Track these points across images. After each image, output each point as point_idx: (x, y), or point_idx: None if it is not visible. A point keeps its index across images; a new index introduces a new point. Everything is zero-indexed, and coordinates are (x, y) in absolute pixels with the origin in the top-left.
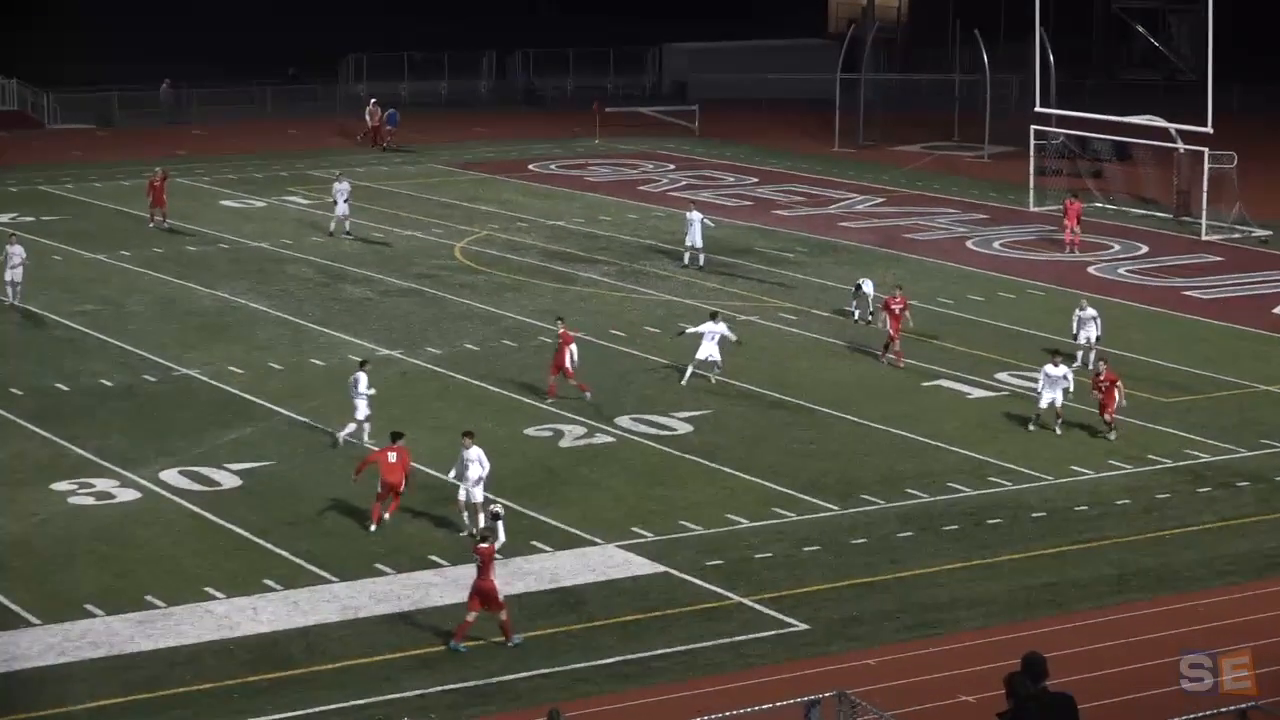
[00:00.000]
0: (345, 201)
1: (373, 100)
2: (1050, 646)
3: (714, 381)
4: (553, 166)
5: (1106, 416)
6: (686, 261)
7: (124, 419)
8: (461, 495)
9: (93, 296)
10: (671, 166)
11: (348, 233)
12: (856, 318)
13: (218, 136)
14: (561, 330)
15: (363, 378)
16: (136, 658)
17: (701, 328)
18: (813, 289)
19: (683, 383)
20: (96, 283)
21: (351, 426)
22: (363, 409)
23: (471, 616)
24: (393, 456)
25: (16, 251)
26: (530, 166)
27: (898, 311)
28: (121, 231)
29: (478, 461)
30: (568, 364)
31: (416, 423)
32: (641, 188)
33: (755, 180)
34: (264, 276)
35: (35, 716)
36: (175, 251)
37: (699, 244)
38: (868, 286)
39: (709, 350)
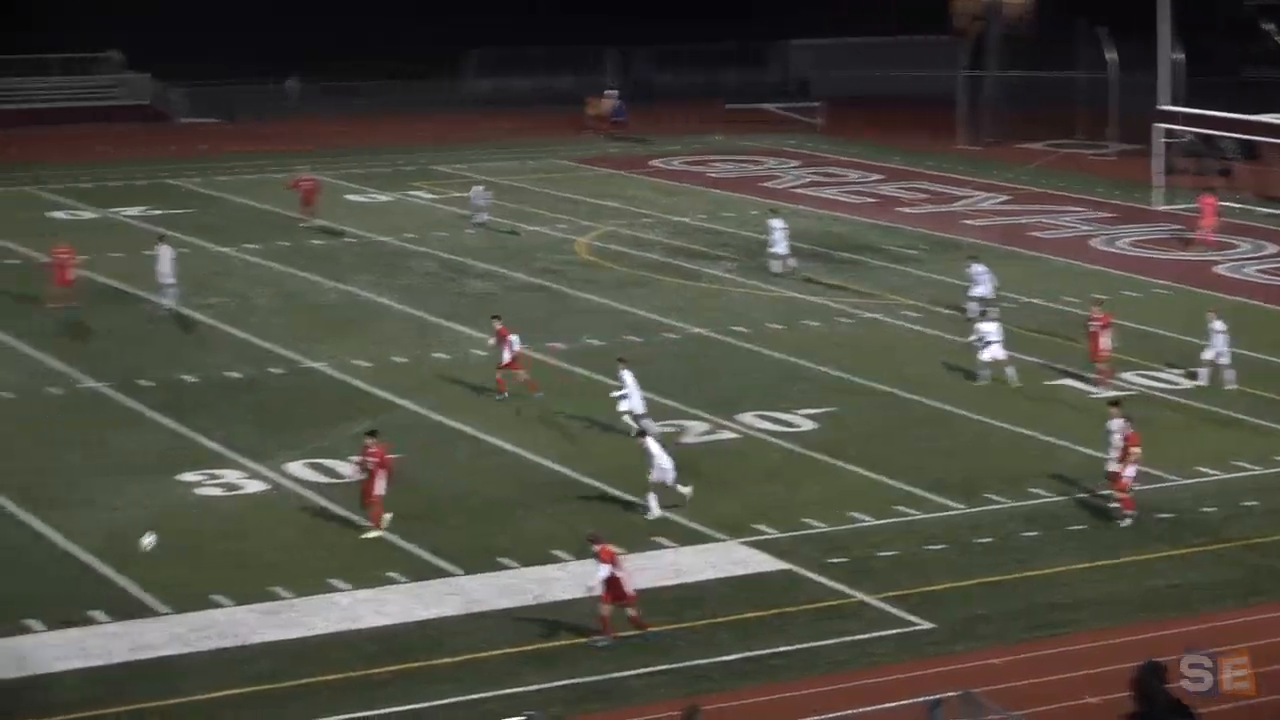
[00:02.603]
0: (485, 206)
1: (611, 90)
2: (1176, 649)
3: (1014, 386)
4: (676, 163)
5: (1121, 475)
6: (779, 270)
7: (250, 411)
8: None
9: (219, 289)
10: (795, 163)
11: (482, 224)
12: (970, 312)
13: (343, 130)
14: (499, 328)
15: (627, 375)
16: (260, 648)
17: (981, 329)
18: (937, 286)
19: (1011, 383)
20: (223, 276)
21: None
22: (638, 404)
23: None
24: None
25: (165, 252)
26: (653, 162)
27: (1094, 330)
28: (248, 225)
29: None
30: (507, 356)
31: (541, 417)
32: (764, 184)
33: (879, 177)
34: (389, 270)
35: (160, 705)
36: (301, 245)
37: (783, 250)
38: (982, 276)
39: (993, 352)
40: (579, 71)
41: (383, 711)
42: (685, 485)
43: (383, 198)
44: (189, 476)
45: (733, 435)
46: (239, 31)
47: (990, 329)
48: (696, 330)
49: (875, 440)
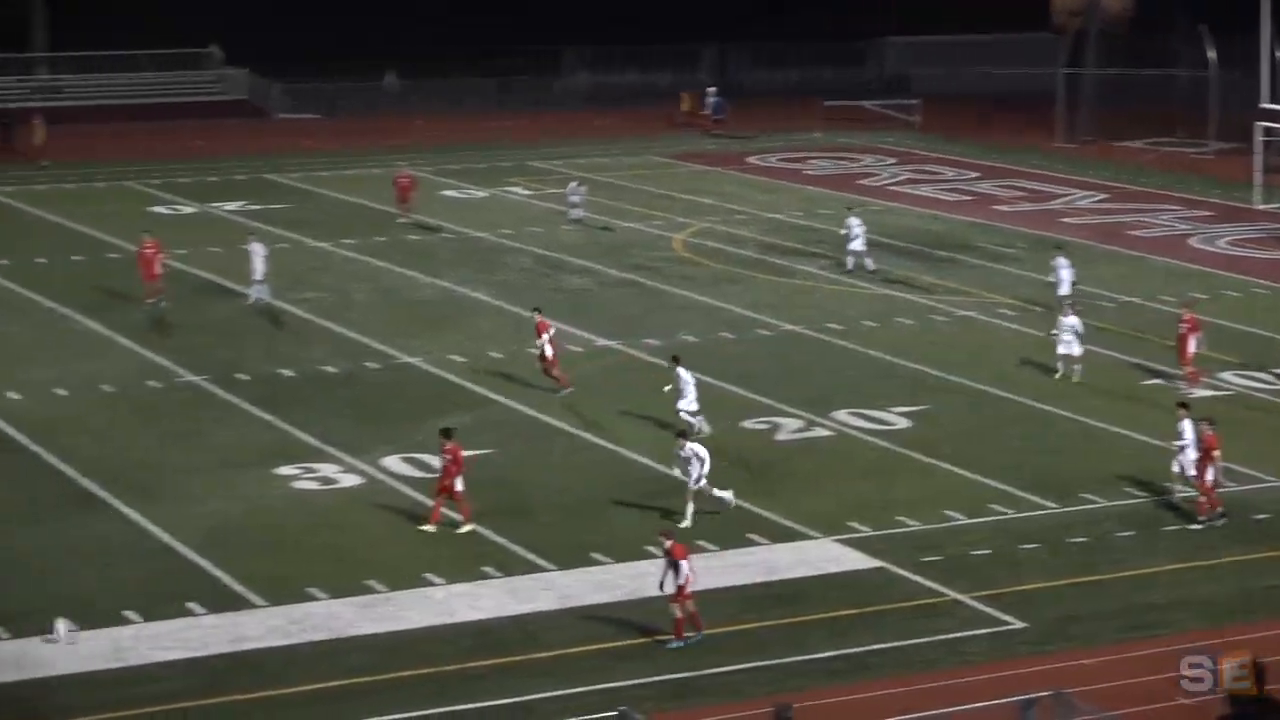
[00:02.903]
0: (580, 202)
1: (711, 89)
2: (1273, 650)
3: (1075, 380)
4: (772, 159)
5: (1203, 478)
6: (851, 267)
7: (346, 405)
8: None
9: (316, 284)
10: (891, 160)
11: (577, 220)
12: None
13: (440, 127)
14: (539, 321)
15: (682, 372)
16: (356, 641)
17: (1062, 321)
18: (1033, 285)
19: (1073, 379)
20: (320, 271)
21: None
22: (691, 402)
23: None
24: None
25: (256, 250)
26: (749, 159)
27: (1183, 333)
28: (345, 220)
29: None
30: (549, 351)
31: (634, 414)
32: (861, 181)
33: (976, 175)
34: (485, 266)
35: (257, 697)
36: (398, 240)
37: (862, 247)
38: (1063, 271)
39: (1068, 345)
40: (676, 69)
41: (479, 705)
42: (724, 489)
43: (479, 194)
44: (286, 470)
45: (827, 433)
46: (337, 31)
47: (1071, 322)
48: (790, 327)
49: (969, 438)
